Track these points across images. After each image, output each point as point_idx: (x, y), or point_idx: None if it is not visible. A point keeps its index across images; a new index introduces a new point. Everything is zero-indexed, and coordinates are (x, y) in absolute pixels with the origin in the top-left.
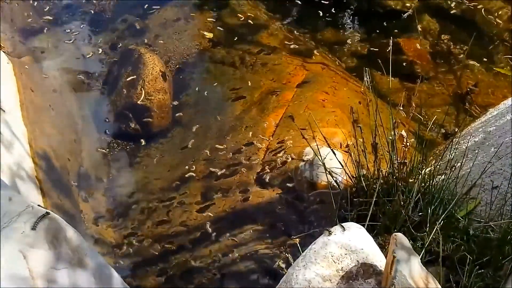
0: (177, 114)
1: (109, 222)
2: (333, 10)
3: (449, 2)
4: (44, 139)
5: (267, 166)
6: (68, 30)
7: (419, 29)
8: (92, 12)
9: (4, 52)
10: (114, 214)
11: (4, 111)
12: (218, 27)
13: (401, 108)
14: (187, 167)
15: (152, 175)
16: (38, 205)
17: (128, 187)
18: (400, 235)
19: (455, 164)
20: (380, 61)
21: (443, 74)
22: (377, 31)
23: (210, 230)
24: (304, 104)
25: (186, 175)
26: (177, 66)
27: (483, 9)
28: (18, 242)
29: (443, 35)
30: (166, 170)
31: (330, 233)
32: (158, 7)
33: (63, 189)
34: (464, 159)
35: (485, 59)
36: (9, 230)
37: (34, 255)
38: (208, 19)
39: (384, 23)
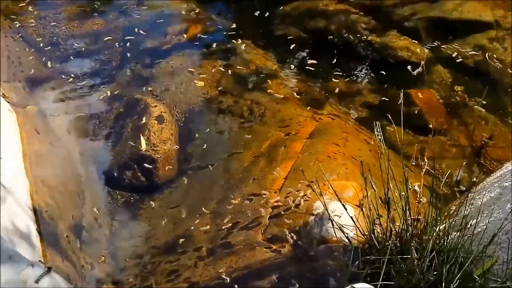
0: (183, 165)
1: (110, 278)
2: (344, 60)
3: (462, 52)
4: (46, 192)
5: (275, 220)
6: (75, 79)
7: (432, 80)
8: (99, 61)
9: (9, 102)
10: (117, 270)
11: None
12: (226, 76)
13: (414, 162)
14: (192, 220)
15: (156, 229)
16: (40, 261)
17: (131, 241)
18: None
19: (471, 221)
20: (391, 113)
21: (457, 126)
22: (389, 81)
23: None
24: (314, 156)
25: (191, 228)
26: (184, 116)
27: (496, 61)
28: None
29: (456, 86)
30: (171, 223)
31: None
32: (166, 56)
33: (63, 244)
34: (480, 216)
35: (500, 111)
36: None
37: None
38: (216, 68)
39: (396, 74)
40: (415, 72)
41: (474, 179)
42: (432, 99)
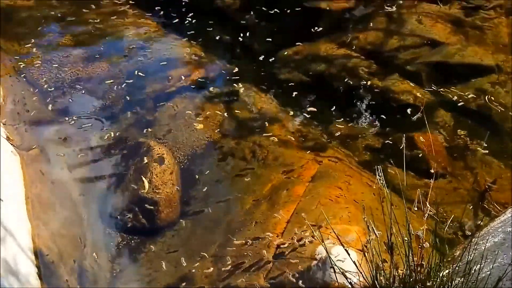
0: (184, 208)
1: None
2: (346, 104)
3: (464, 96)
4: (48, 235)
5: (278, 264)
6: (78, 122)
7: (435, 123)
8: (103, 104)
9: (12, 144)
10: None
11: (2, 200)
12: (228, 119)
13: (417, 206)
14: (194, 263)
15: (158, 272)
16: None
17: (132, 284)
18: None
19: (474, 266)
20: (394, 156)
21: (460, 170)
22: (391, 125)
23: None
24: (316, 199)
25: (192, 272)
26: (186, 158)
27: (498, 104)
28: None
29: (459, 130)
30: (172, 266)
31: None
32: (169, 99)
33: None
34: (484, 261)
35: (503, 155)
36: None
37: None
38: (218, 111)
39: (398, 117)
40: (416, 117)
41: (478, 224)
42: (435, 143)
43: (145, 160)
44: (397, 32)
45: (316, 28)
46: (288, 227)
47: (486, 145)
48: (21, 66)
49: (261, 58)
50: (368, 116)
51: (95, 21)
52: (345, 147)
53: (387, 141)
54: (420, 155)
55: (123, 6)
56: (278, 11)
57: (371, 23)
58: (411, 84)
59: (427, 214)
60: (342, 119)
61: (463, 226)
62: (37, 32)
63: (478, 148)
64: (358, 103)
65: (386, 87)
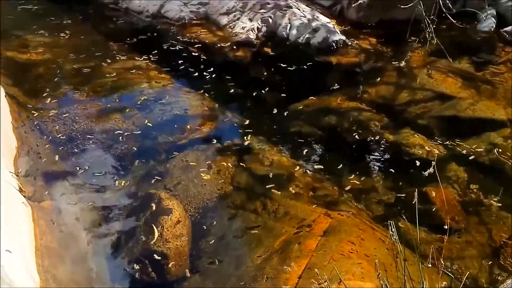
0: (195, 261)
1: None
2: (358, 157)
3: (476, 150)
4: None
5: None
6: (90, 173)
7: (447, 178)
8: (115, 155)
9: (25, 196)
10: None
11: (10, 252)
12: (240, 172)
13: (431, 262)
14: None
15: None
16: None
17: None
18: None
19: None
20: (407, 211)
21: (474, 225)
22: (403, 179)
23: None
24: (328, 254)
25: None
26: (197, 211)
27: (510, 159)
28: None
29: (471, 184)
30: None
31: None
32: (180, 151)
33: None
34: None
35: None
36: None
37: None
38: (230, 164)
39: (411, 171)
40: (427, 171)
41: (495, 280)
42: (447, 197)
43: (156, 212)
44: (408, 86)
45: (327, 81)
46: (300, 282)
47: (499, 199)
48: (37, 117)
49: (273, 111)
50: (380, 170)
51: (111, 75)
52: (357, 201)
53: (400, 195)
54: (433, 210)
55: (140, 61)
56: (289, 66)
57: (382, 77)
58: (422, 137)
59: (442, 270)
60: (354, 172)
61: (479, 282)
62: (53, 84)
63: (492, 203)
64: (370, 157)
65: (398, 140)
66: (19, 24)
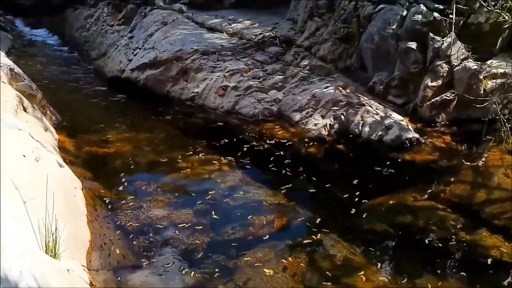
0: None
1: None
2: (432, 257)
3: None
4: None
5: None
6: (159, 267)
7: None
8: (186, 250)
9: None
10: None
11: None
12: (311, 270)
13: None
14: None
15: None
16: None
17: None
18: None
19: None
20: None
21: None
22: (480, 281)
23: None
24: None
25: None
26: None
27: None
28: None
29: None
30: None
31: None
32: (251, 247)
33: None
34: None
35: None
36: None
37: None
38: (301, 261)
39: (488, 274)
40: (507, 280)
41: None
42: None
43: None
44: (484, 185)
45: (401, 179)
46: None
47: None
48: (111, 210)
49: (346, 208)
50: (456, 271)
51: (186, 170)
52: None
53: None
54: None
55: (214, 156)
56: (362, 162)
57: (457, 176)
58: (500, 239)
59: None
60: (429, 273)
61: None
62: (129, 177)
63: None
64: (446, 258)
65: (474, 241)
66: (100, 120)
